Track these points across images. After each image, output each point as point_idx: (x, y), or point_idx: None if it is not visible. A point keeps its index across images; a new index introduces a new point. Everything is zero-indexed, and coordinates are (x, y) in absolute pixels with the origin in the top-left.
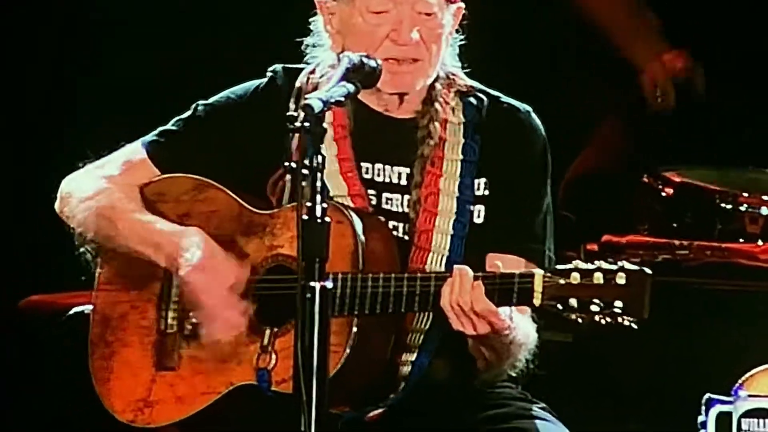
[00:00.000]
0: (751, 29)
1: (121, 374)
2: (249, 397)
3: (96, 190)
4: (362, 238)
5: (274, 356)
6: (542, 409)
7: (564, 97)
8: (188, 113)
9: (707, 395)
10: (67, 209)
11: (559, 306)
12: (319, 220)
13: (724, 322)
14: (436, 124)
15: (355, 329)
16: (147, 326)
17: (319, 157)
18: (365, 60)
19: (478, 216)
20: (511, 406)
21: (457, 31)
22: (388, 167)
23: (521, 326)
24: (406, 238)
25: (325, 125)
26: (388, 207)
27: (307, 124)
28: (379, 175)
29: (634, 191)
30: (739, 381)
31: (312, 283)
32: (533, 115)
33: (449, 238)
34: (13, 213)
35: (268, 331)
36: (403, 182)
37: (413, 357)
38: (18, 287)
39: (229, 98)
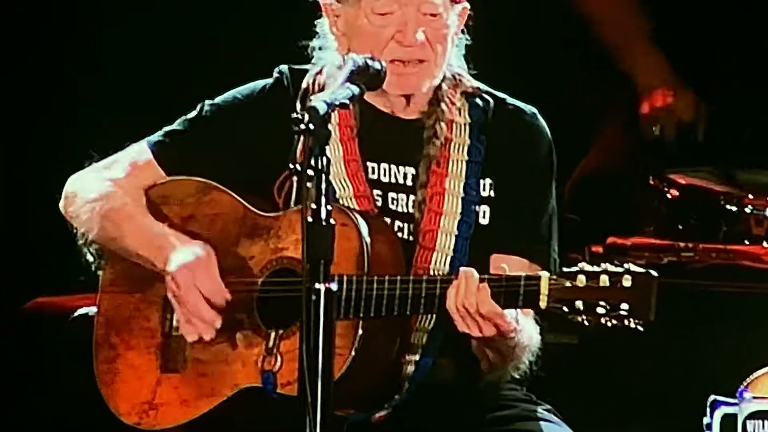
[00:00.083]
0: (752, 29)
1: (125, 377)
2: (254, 399)
3: (101, 191)
4: (368, 240)
5: (279, 358)
6: (547, 410)
7: (569, 99)
8: (194, 113)
9: (712, 397)
10: (72, 209)
11: (565, 308)
12: (324, 223)
13: (729, 324)
14: (442, 124)
15: (360, 332)
16: (152, 328)
17: (324, 159)
18: (370, 62)
19: (484, 217)
20: (516, 408)
21: (462, 31)
22: (393, 167)
23: (525, 328)
24: (411, 238)
25: (330, 126)
26: (393, 207)
27: (312, 126)
28: (385, 175)
29: (640, 193)
30: (744, 383)
31: (317, 286)
32: (539, 116)
33: (454, 238)
34: (15, 214)
35: (273, 334)
36: (409, 182)
37: (417, 357)
38: (23, 289)
39: (235, 98)
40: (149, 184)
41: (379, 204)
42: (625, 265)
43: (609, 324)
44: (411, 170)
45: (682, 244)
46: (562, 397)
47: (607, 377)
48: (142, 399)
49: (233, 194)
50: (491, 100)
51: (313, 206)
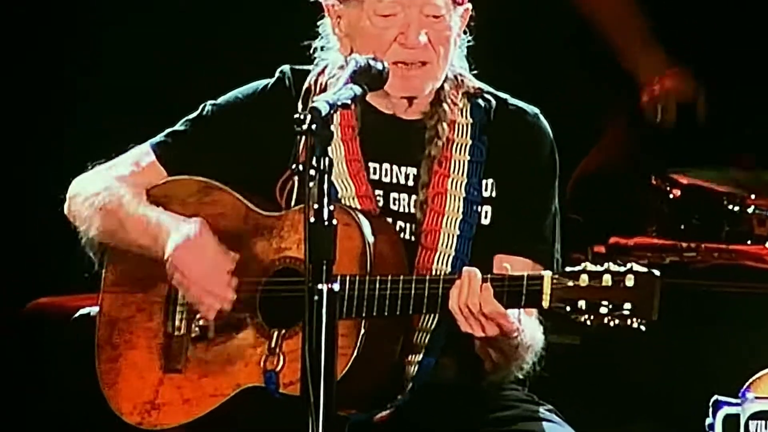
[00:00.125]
0: (752, 29)
1: (128, 376)
2: (256, 399)
3: (102, 187)
4: (370, 240)
5: (281, 358)
6: (549, 410)
7: (570, 99)
8: (196, 113)
9: (715, 397)
10: (74, 208)
11: (568, 308)
12: (326, 223)
13: (732, 325)
14: (444, 124)
15: (363, 332)
16: (154, 328)
17: (326, 160)
18: (372, 62)
19: (485, 217)
20: (518, 408)
21: (464, 32)
22: (395, 167)
23: (528, 328)
24: (413, 238)
25: (332, 127)
26: (395, 208)
27: (314, 126)
28: (386, 175)
29: (642, 193)
30: (747, 383)
31: (319, 286)
32: (541, 117)
33: (456, 238)
34: (15, 214)
35: (276, 333)
36: (411, 183)
37: (419, 357)
38: (24, 290)
39: (237, 98)
40: (152, 184)
41: (380, 204)
42: (628, 265)
43: (612, 324)
44: (413, 170)
45: (684, 244)
46: (564, 397)
47: (609, 377)
48: (144, 399)
49: (235, 194)
50: (493, 101)
51: (316, 206)
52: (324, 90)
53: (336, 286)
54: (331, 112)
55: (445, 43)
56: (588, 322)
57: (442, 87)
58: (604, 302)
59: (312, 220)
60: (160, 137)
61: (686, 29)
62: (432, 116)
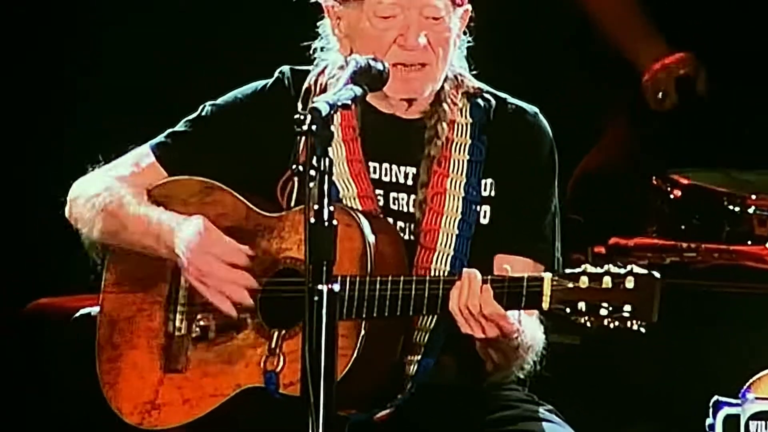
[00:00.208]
0: (754, 29)
1: (128, 376)
2: (256, 399)
3: (102, 188)
4: (371, 240)
5: (281, 359)
6: (549, 411)
7: (570, 99)
8: (195, 114)
9: (715, 398)
10: (75, 211)
11: (568, 309)
12: (326, 223)
13: (732, 325)
14: (444, 124)
15: (363, 332)
16: (154, 328)
17: (327, 160)
18: (372, 63)
19: (484, 216)
20: (518, 408)
21: (464, 33)
22: (395, 167)
23: (529, 328)
24: (412, 238)
25: (333, 127)
26: (395, 207)
27: (314, 127)
28: (386, 174)
29: (642, 193)
30: (747, 383)
31: (319, 286)
32: (540, 116)
33: (455, 238)
34: (15, 214)
35: (276, 334)
36: (410, 182)
37: (419, 356)
38: (24, 290)
39: (236, 98)
40: (152, 185)
41: (381, 204)
42: (628, 267)
43: (612, 326)
44: (412, 170)
45: (684, 245)
46: (564, 398)
47: (609, 378)
48: (145, 399)
49: (236, 194)
50: (493, 100)
51: (316, 207)
52: (324, 90)
53: (336, 287)
54: (332, 112)
55: (444, 45)
56: (588, 324)
57: (442, 87)
58: (604, 304)
59: (312, 220)
60: (159, 138)
61: (686, 29)
62: (432, 116)
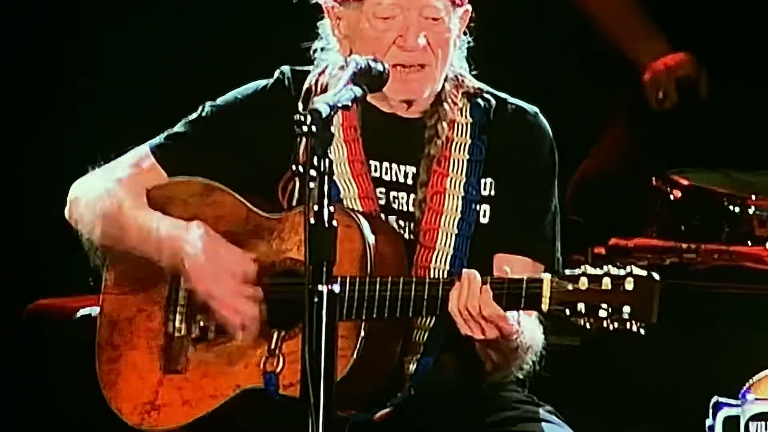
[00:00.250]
0: (754, 29)
1: (128, 377)
2: (256, 400)
3: (102, 192)
4: (371, 241)
5: (281, 360)
6: (549, 411)
7: (570, 99)
8: (195, 114)
9: (715, 398)
10: (75, 213)
11: (567, 311)
12: (326, 224)
13: (732, 326)
14: (444, 123)
15: (363, 333)
16: (154, 329)
17: (327, 161)
18: (372, 63)
19: (484, 216)
20: (518, 409)
21: (464, 33)
22: (395, 165)
23: (528, 329)
24: (412, 237)
25: (333, 128)
26: (395, 206)
27: (314, 128)
28: (386, 173)
29: (642, 194)
30: (747, 384)
31: (319, 287)
32: (541, 116)
33: (454, 237)
34: (15, 215)
35: (275, 335)
36: (410, 181)
37: (418, 355)
38: (24, 291)
39: (236, 98)
40: (151, 186)
41: (382, 203)
42: (628, 268)
43: (611, 327)
44: (412, 169)
45: (684, 245)
46: (564, 399)
47: (609, 379)
48: (144, 399)
49: (236, 195)
50: (493, 100)
51: (316, 208)
52: (324, 90)
53: (336, 288)
54: (332, 113)
55: (444, 46)
56: (587, 325)
57: (442, 87)
58: (604, 305)
59: (312, 221)
60: (159, 139)
61: (686, 29)
62: (432, 115)
